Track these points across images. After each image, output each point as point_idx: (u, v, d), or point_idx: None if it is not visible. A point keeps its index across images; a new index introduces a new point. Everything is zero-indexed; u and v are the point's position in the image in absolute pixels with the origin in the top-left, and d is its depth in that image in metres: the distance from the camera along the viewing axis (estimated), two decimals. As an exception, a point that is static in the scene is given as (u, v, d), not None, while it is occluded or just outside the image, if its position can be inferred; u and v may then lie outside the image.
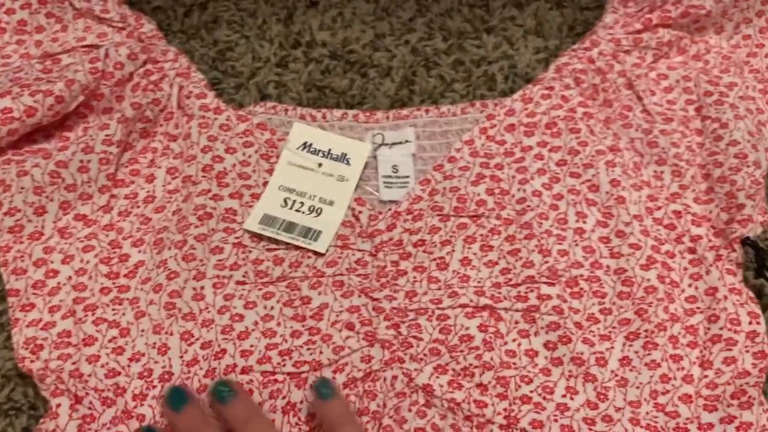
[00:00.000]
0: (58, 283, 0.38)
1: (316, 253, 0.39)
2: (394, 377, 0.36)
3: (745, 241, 0.39)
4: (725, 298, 0.37)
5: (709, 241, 0.40)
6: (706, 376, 0.36)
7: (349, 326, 0.37)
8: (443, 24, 0.49)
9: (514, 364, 0.36)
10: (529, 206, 0.40)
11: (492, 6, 0.50)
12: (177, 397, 0.33)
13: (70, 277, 0.38)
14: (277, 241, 0.39)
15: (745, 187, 0.40)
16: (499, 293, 0.38)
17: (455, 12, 0.49)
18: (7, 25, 0.44)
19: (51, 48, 0.44)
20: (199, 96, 0.42)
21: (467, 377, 0.36)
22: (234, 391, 0.33)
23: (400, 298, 0.38)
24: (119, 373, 0.35)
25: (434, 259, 0.39)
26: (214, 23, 0.48)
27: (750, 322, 0.37)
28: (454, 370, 0.36)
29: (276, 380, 0.35)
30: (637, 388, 0.35)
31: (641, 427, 0.35)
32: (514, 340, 0.37)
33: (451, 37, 0.48)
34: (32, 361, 0.35)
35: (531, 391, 0.35)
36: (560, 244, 0.39)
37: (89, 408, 0.35)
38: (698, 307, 0.38)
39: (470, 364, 0.36)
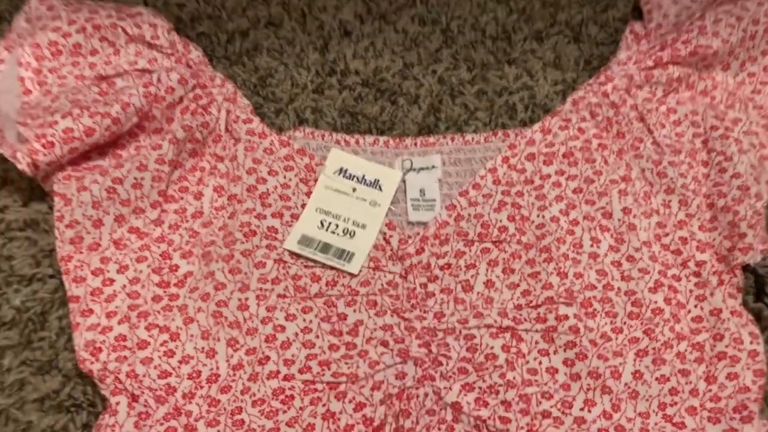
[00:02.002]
0: (114, 290, 0.41)
1: (350, 273, 0.42)
2: (425, 395, 0.39)
3: (746, 268, 0.42)
4: (728, 319, 0.41)
5: (713, 266, 0.43)
6: (710, 390, 0.39)
7: (384, 343, 0.40)
8: (468, 55, 0.52)
9: (536, 381, 0.39)
10: (548, 231, 0.44)
11: (514, 39, 0.53)
12: None
13: (124, 286, 0.41)
14: (314, 260, 0.43)
15: (746, 217, 0.43)
16: (520, 315, 0.41)
17: (479, 44, 0.53)
18: (63, 48, 0.47)
19: (104, 71, 0.47)
20: (245, 121, 0.46)
21: (492, 395, 0.39)
22: None
23: (429, 318, 0.41)
24: (170, 374, 0.39)
25: (460, 282, 0.42)
26: (255, 50, 0.51)
27: (751, 342, 0.40)
28: (480, 388, 0.39)
29: (316, 389, 0.38)
30: (647, 400, 0.39)
31: None
32: (535, 359, 0.40)
33: (475, 67, 0.52)
34: (92, 363, 0.39)
35: (551, 407, 0.39)
36: (576, 267, 0.42)
37: (144, 405, 0.38)
38: (704, 327, 0.41)
39: (495, 383, 0.39)
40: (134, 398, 0.38)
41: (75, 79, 0.47)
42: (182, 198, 0.44)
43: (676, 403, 0.39)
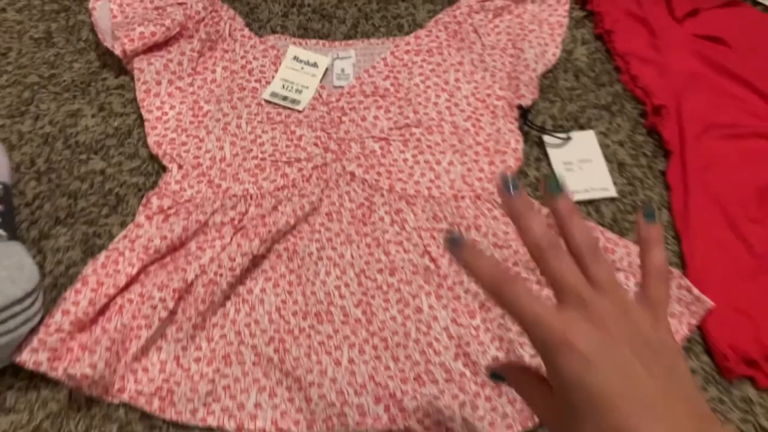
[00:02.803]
0: (168, 117, 0.74)
1: (298, 110, 0.76)
2: (335, 168, 0.72)
3: (518, 107, 0.75)
4: (505, 133, 0.74)
5: (503, 108, 0.76)
6: (491, 169, 0.72)
7: (315, 144, 0.73)
8: (378, -4, 0.86)
9: (396, 163, 0.72)
10: (411, 90, 0.77)
11: (406, -14, 0.86)
12: (510, 183, 0.39)
13: (173, 115, 0.74)
14: (278, 103, 0.76)
15: (524, 81, 0.76)
16: (391, 132, 0.74)
17: (385, -11, 0.86)
18: (134, -9, 0.81)
19: (160, 3, 0.80)
20: (240, 30, 0.80)
21: (372, 169, 0.72)
22: (561, 184, 0.38)
23: (341, 133, 0.74)
24: (199, 157, 0.72)
25: (359, 116, 0.75)
26: (247, -7, 0.85)
27: (515, 142, 0.73)
28: (364, 165, 0.72)
29: (278, 165, 0.71)
30: (460, 155, 0.72)
31: None
32: (398, 153, 0.73)
33: (381, 4, 0.85)
34: (158, 149, 0.72)
35: (400, 171, 0.72)
36: (425, 108, 0.76)
37: (185, 170, 0.71)
38: (492, 138, 0.74)
39: (373, 163, 0.72)
40: (180, 166, 0.71)
41: (143, 9, 0.80)
42: (204, 71, 0.78)
43: (471, 170, 0.71)
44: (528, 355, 0.60)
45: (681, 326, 0.64)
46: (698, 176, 0.71)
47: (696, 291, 0.64)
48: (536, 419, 0.58)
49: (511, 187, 0.39)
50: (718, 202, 0.70)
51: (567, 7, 0.84)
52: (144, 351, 0.61)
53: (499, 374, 0.44)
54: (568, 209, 0.38)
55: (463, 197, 0.70)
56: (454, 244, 0.39)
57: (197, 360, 0.61)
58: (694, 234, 0.68)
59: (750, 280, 0.65)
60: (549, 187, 0.39)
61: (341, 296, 0.64)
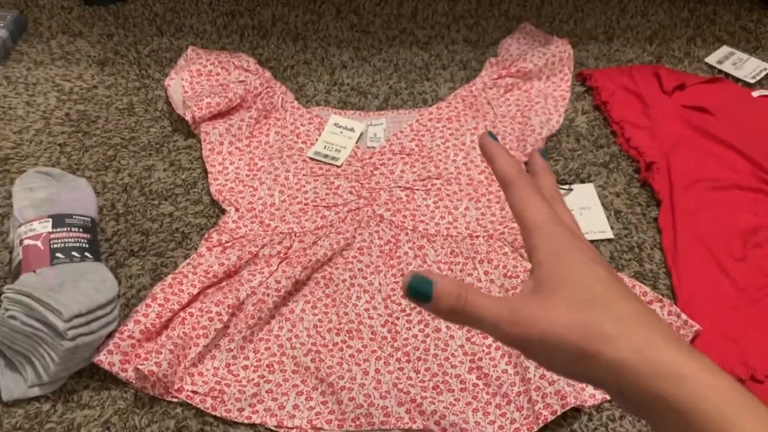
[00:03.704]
0: (228, 171, 0.88)
1: (337, 165, 0.89)
2: (367, 212, 0.84)
3: (526, 163, 0.87)
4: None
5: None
6: (503, 215, 0.83)
7: (350, 192, 0.86)
8: (406, 78, 1.01)
9: (419, 209, 0.84)
10: (433, 150, 0.90)
11: (430, 68, 1.01)
12: (491, 135, 0.45)
13: (232, 170, 0.88)
14: (320, 160, 0.89)
15: (531, 142, 0.89)
16: (415, 183, 0.86)
17: (411, 72, 1.01)
18: (203, 71, 0.97)
19: (224, 81, 0.96)
20: (290, 102, 0.95)
21: (399, 213, 0.84)
22: (545, 153, 0.48)
23: (372, 184, 0.87)
24: (252, 203, 0.85)
25: (388, 170, 0.88)
26: (297, 74, 1.01)
27: None
28: (391, 210, 0.84)
29: (318, 209, 0.83)
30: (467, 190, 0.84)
31: None
32: (421, 200, 0.85)
33: (408, 82, 1.00)
34: (219, 196, 0.85)
35: (424, 215, 0.83)
36: (444, 164, 0.88)
37: (240, 212, 0.84)
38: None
39: (400, 208, 0.83)
40: (237, 209, 0.84)
41: (209, 85, 0.97)
42: (259, 135, 0.92)
43: (484, 215, 0.82)
44: (533, 367, 0.68)
45: None
46: (686, 220, 0.81)
47: (684, 316, 0.72)
48: (540, 423, 0.65)
49: (491, 137, 0.46)
50: (705, 243, 0.79)
51: (569, 83, 0.98)
52: (200, 357, 0.71)
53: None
54: (543, 164, 0.46)
55: (477, 236, 0.80)
56: (492, 138, 0.45)
57: (245, 367, 0.71)
58: (682, 269, 0.77)
59: (735, 309, 0.73)
60: (539, 151, 0.48)
61: (370, 317, 0.74)
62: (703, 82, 0.97)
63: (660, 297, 0.73)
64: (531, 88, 0.97)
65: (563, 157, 0.90)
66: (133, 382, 0.68)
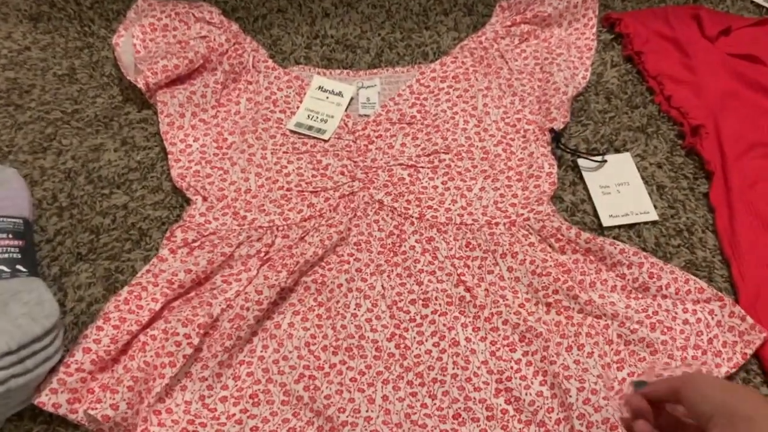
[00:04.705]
0: (192, 149, 0.73)
1: (324, 139, 0.74)
2: (363, 196, 0.70)
3: (550, 130, 0.73)
4: (538, 158, 0.71)
5: (534, 132, 0.74)
6: (525, 195, 0.69)
7: (342, 172, 0.71)
8: (401, 25, 0.85)
9: (425, 190, 0.70)
10: (438, 117, 0.75)
11: (429, 15, 0.85)
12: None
13: (197, 147, 0.73)
14: (303, 133, 0.74)
15: (555, 104, 0.74)
16: (419, 159, 0.72)
17: (408, 18, 0.85)
18: (157, 26, 0.81)
19: (182, 37, 0.80)
20: (263, 61, 0.79)
21: (401, 197, 0.70)
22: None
23: (368, 161, 0.72)
24: (224, 189, 0.70)
25: (386, 143, 0.73)
26: (270, 26, 0.84)
27: (549, 167, 0.70)
28: (393, 193, 0.70)
29: (304, 195, 0.69)
30: (487, 179, 0.69)
31: None
32: (427, 180, 0.70)
33: (405, 32, 0.84)
34: (181, 182, 0.70)
35: (431, 199, 0.69)
36: (453, 135, 0.73)
37: (210, 202, 0.69)
38: (524, 162, 0.71)
39: (402, 191, 0.69)
40: (204, 198, 0.69)
41: (165, 43, 0.80)
42: (228, 103, 0.77)
43: (504, 196, 0.69)
44: (575, 389, 0.56)
45: (735, 355, 0.60)
46: (743, 196, 0.68)
47: (750, 319, 0.60)
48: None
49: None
50: (766, 223, 0.66)
51: (594, 30, 0.82)
52: (168, 391, 0.58)
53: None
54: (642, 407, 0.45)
55: (497, 224, 0.67)
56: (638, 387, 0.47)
57: (223, 399, 0.58)
58: (743, 257, 0.64)
59: (809, 304, 0.61)
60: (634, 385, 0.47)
61: (373, 329, 0.61)
62: (751, 25, 0.82)
63: (719, 294, 0.61)
64: (550, 36, 0.82)
65: (593, 120, 0.76)
66: (86, 424, 0.55)
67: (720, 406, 0.41)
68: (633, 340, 0.60)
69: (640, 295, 0.62)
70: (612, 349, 0.59)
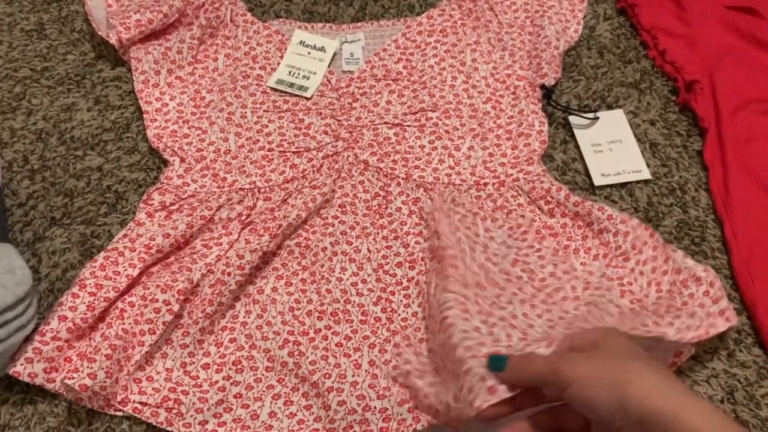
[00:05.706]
0: (168, 108, 0.69)
1: (306, 97, 0.71)
2: (347, 156, 0.67)
3: (541, 87, 0.70)
4: (528, 115, 0.69)
5: (524, 88, 0.71)
6: (515, 154, 0.67)
7: (325, 132, 0.69)
8: (386, -24, 0.81)
9: (412, 149, 0.67)
10: (425, 73, 0.72)
11: (416, -35, 0.82)
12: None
13: (174, 106, 0.70)
14: (285, 91, 0.71)
15: (547, 59, 0.71)
16: (405, 117, 0.69)
17: (394, -31, 0.81)
18: (129, -22, 0.77)
19: (156, -10, 0.76)
20: (242, 15, 0.75)
21: (386, 156, 0.67)
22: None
23: (353, 120, 0.70)
24: (202, 150, 0.67)
25: (371, 101, 0.71)
26: (249, -24, 0.80)
27: (539, 124, 0.68)
28: (378, 153, 0.68)
29: (286, 155, 0.66)
30: (474, 139, 0.67)
31: None
32: (413, 139, 0.68)
33: (390, -17, 0.80)
34: (158, 144, 0.67)
35: (416, 158, 0.67)
36: (440, 91, 0.71)
37: (188, 163, 0.66)
38: (514, 120, 0.69)
39: (388, 151, 0.67)
40: (182, 159, 0.67)
41: (138, -4, 0.76)
42: (205, 60, 0.73)
43: (493, 155, 0.67)
44: (543, 348, 0.54)
45: (699, 329, 0.54)
46: (737, 154, 0.66)
47: (723, 303, 0.55)
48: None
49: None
50: (762, 181, 0.65)
51: (587, -19, 0.79)
52: (148, 358, 0.56)
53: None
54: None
55: (485, 184, 0.65)
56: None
57: (206, 366, 0.56)
58: (736, 217, 0.63)
59: (802, 264, 0.60)
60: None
61: (359, 293, 0.60)
62: (750, -25, 0.79)
63: (698, 275, 0.56)
64: (541, -12, 0.78)
65: (584, 76, 0.74)
66: (64, 393, 0.53)
67: (619, 411, 0.39)
68: (601, 301, 0.57)
69: (619, 264, 0.60)
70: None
